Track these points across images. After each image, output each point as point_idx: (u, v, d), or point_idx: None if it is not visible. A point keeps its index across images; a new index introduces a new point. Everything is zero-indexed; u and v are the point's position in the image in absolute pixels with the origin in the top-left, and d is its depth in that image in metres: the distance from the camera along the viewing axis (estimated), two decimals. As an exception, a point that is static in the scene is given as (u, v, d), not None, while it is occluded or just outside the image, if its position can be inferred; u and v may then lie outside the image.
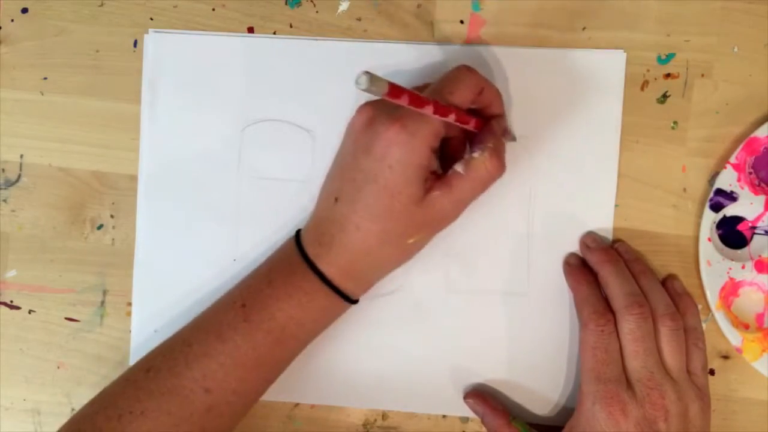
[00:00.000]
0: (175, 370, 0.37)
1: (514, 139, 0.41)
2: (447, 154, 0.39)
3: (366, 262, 0.38)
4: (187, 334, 0.38)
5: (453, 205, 0.37)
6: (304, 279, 0.37)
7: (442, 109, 0.34)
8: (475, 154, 0.37)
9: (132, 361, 0.43)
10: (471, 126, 0.37)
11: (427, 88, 0.37)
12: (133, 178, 0.44)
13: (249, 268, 0.41)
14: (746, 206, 0.41)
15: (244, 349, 0.37)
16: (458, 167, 0.37)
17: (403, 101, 0.32)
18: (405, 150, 0.35)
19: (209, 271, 0.43)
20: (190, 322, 0.39)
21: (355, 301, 0.39)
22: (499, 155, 0.37)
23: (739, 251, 0.42)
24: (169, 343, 0.39)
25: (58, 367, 0.44)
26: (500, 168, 0.37)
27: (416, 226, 0.37)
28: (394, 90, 0.31)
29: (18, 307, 0.44)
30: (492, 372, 0.43)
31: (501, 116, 0.39)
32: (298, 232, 0.40)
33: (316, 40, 0.43)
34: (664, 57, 0.42)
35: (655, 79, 0.42)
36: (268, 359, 0.38)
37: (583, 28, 0.42)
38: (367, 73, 0.29)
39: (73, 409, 0.44)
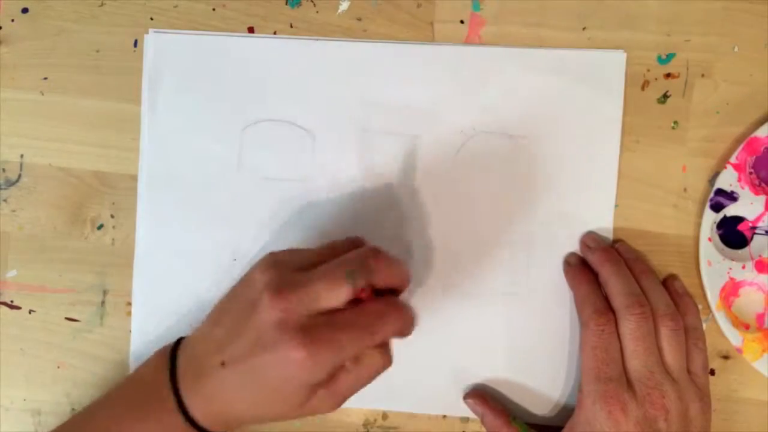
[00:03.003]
0: None
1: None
2: None
3: (240, 422, 0.37)
4: None
5: (336, 400, 0.36)
6: (172, 419, 0.36)
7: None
8: (367, 352, 0.35)
9: (132, 360, 0.44)
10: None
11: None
12: (134, 178, 0.44)
13: (248, 265, 0.41)
14: (747, 206, 0.41)
15: None
16: (347, 365, 0.35)
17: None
18: (305, 374, 0.33)
19: (209, 271, 0.43)
20: None
21: None
22: (387, 349, 0.36)
23: (739, 251, 0.42)
24: None
25: (58, 367, 0.44)
26: (388, 362, 0.36)
27: (297, 416, 0.36)
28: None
29: (18, 307, 0.44)
30: (492, 372, 0.43)
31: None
32: (173, 355, 0.38)
33: (316, 40, 0.43)
34: (664, 57, 0.42)
35: (656, 79, 0.42)
36: None
37: (583, 28, 0.42)
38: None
39: (73, 409, 0.44)
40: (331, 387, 0.35)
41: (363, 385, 0.36)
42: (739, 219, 0.42)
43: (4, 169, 0.44)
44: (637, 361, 0.37)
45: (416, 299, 0.43)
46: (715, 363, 0.42)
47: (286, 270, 0.35)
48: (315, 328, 0.33)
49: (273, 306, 0.34)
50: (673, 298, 0.40)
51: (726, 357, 0.42)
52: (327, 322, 0.34)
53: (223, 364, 0.35)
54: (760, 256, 0.41)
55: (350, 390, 0.36)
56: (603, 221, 0.42)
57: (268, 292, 0.34)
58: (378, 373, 0.36)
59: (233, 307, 0.37)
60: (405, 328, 0.36)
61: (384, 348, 0.36)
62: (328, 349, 0.33)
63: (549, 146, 0.42)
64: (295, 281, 0.34)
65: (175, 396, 0.36)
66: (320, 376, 0.34)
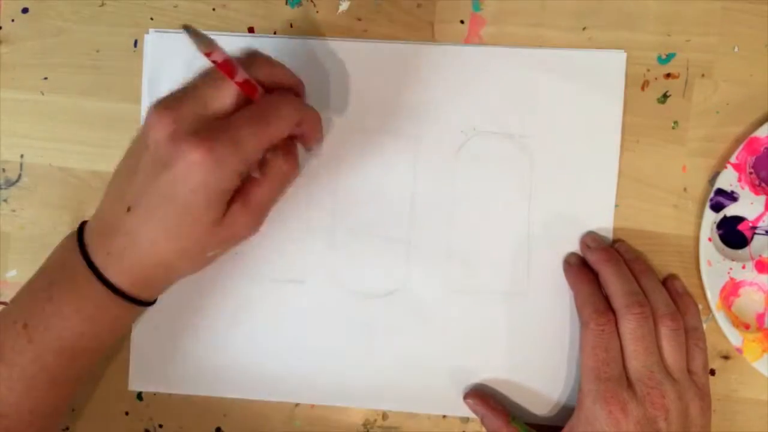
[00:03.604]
0: None
1: (315, 148, 0.41)
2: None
3: (160, 273, 0.36)
4: None
5: (253, 215, 0.35)
6: (92, 290, 0.35)
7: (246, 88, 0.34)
8: (268, 155, 0.36)
9: (132, 360, 0.43)
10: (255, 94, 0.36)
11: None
12: (134, 178, 0.44)
13: (250, 264, 0.41)
14: (747, 206, 0.41)
15: (32, 371, 0.35)
16: (254, 173, 0.35)
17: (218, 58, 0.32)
18: (210, 176, 0.33)
19: (209, 270, 0.43)
20: None
21: (150, 303, 0.38)
22: (292, 154, 0.36)
23: (739, 251, 0.42)
24: None
25: (58, 367, 0.44)
26: (294, 166, 0.36)
27: (217, 242, 0.36)
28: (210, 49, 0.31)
29: (18, 307, 0.44)
30: (492, 372, 0.43)
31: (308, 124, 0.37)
32: (80, 233, 0.37)
33: (316, 40, 0.43)
34: (664, 57, 0.42)
35: (656, 78, 0.42)
36: (62, 378, 0.36)
37: (583, 28, 0.42)
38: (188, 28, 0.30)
39: (73, 410, 0.44)
40: (244, 199, 0.35)
41: (275, 195, 0.36)
42: (739, 219, 0.42)
43: (4, 169, 0.44)
44: (637, 360, 0.37)
45: (417, 299, 0.43)
46: (715, 363, 0.42)
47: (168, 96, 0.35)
48: (209, 129, 0.33)
49: (161, 122, 0.33)
50: (673, 297, 0.40)
51: (726, 357, 0.42)
52: (220, 123, 0.33)
53: (129, 209, 0.34)
54: (760, 256, 0.41)
55: (264, 202, 0.35)
56: (603, 221, 0.42)
57: (153, 111, 0.33)
58: (287, 178, 0.36)
59: (127, 160, 0.36)
60: (307, 126, 0.36)
61: (288, 154, 0.36)
62: (226, 144, 0.33)
63: (549, 146, 0.42)
64: (178, 95, 0.34)
65: (87, 263, 0.35)
66: (226, 180, 0.33)
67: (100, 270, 0.35)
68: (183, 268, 0.37)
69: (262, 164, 0.36)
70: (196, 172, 0.32)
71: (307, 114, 0.37)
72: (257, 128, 0.34)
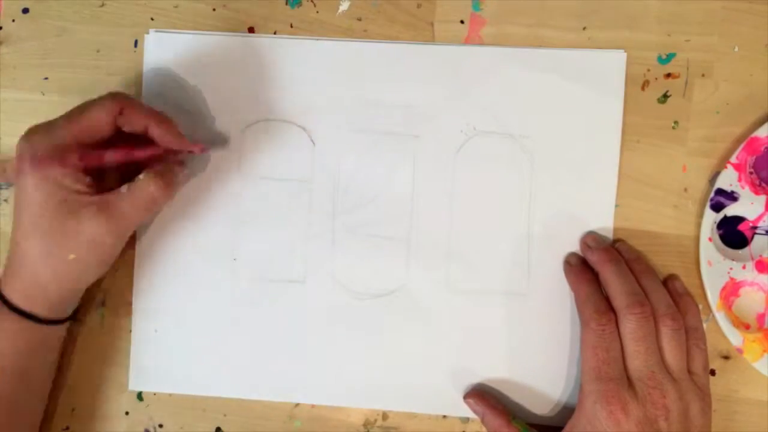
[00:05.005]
0: None
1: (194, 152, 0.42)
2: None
3: (39, 282, 0.37)
4: None
5: (108, 223, 0.37)
6: None
7: (87, 158, 0.37)
8: (141, 176, 0.37)
9: (132, 360, 0.43)
10: (138, 157, 0.39)
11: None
12: (134, 178, 0.44)
13: (249, 268, 0.41)
14: (747, 206, 0.41)
15: None
16: (123, 188, 0.37)
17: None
18: (36, 179, 0.36)
19: (209, 271, 0.43)
20: None
21: (53, 322, 0.39)
22: (166, 178, 0.37)
23: (739, 251, 0.42)
24: None
25: (59, 367, 0.44)
26: (166, 191, 0.37)
27: (71, 243, 0.37)
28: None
29: (18, 307, 0.44)
30: (492, 372, 0.42)
31: (174, 149, 0.39)
32: None
33: (317, 40, 0.43)
34: (664, 57, 0.42)
35: (656, 78, 0.42)
36: None
37: (584, 28, 0.42)
38: None
39: (73, 410, 0.44)
40: (101, 207, 0.37)
41: (141, 212, 0.38)
42: (739, 219, 0.42)
43: (4, 170, 0.44)
44: (637, 360, 0.37)
45: (417, 299, 0.43)
46: (715, 363, 0.42)
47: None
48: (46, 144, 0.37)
49: (20, 145, 0.37)
50: (673, 297, 0.39)
51: (726, 357, 0.42)
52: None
53: (16, 231, 0.37)
54: (760, 256, 0.41)
55: (125, 214, 0.37)
56: (603, 221, 0.42)
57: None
58: (155, 202, 0.38)
59: None
60: (133, 116, 0.38)
61: (163, 177, 0.37)
62: (42, 135, 0.36)
63: (549, 146, 0.42)
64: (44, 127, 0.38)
65: None
66: (55, 177, 0.36)
67: (1, 288, 0.38)
68: (56, 274, 0.38)
69: (132, 183, 0.37)
70: (27, 176, 0.36)
71: (132, 104, 0.38)
72: (71, 116, 0.37)
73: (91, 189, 0.37)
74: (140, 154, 0.39)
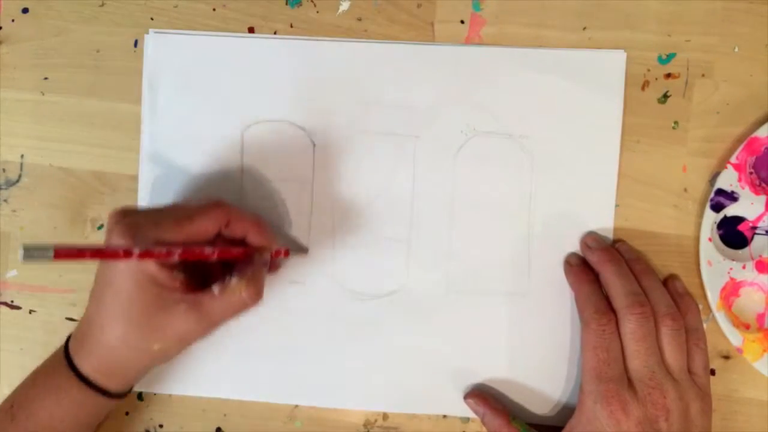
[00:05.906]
0: None
1: (277, 265, 0.42)
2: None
3: (117, 361, 0.37)
4: None
5: (198, 323, 0.37)
6: (62, 375, 0.38)
7: (188, 254, 0.35)
8: (234, 280, 0.37)
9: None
10: (233, 255, 0.38)
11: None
12: (133, 178, 0.44)
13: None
14: (747, 206, 0.41)
15: None
16: (214, 288, 0.37)
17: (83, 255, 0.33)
18: (133, 269, 0.35)
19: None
20: None
21: (117, 396, 0.39)
22: (256, 285, 0.37)
23: (739, 251, 0.42)
24: None
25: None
26: (256, 297, 0.37)
27: (159, 335, 0.37)
28: (61, 253, 0.32)
29: (18, 307, 0.44)
30: (492, 372, 0.42)
31: (264, 248, 0.39)
32: (66, 342, 0.39)
33: (317, 40, 0.43)
34: (664, 57, 0.42)
35: (656, 79, 0.42)
36: None
37: (584, 28, 0.42)
38: (23, 247, 0.31)
39: (73, 410, 0.44)
40: (193, 305, 0.36)
41: (229, 314, 0.37)
42: (739, 219, 0.42)
43: (4, 170, 0.44)
44: (638, 361, 0.37)
45: (417, 299, 0.43)
46: (715, 363, 0.42)
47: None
48: (139, 224, 0.36)
49: (109, 225, 0.36)
50: (673, 298, 0.40)
51: (726, 357, 0.42)
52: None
53: (90, 299, 0.37)
54: (760, 256, 0.41)
55: (215, 314, 0.37)
56: (603, 221, 0.42)
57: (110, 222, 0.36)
58: (246, 306, 0.37)
59: None
60: (238, 227, 0.38)
61: (255, 282, 0.37)
62: (148, 229, 0.35)
63: (549, 146, 0.42)
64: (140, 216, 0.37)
65: (65, 351, 0.38)
66: (146, 266, 0.35)
67: (71, 357, 0.38)
68: (135, 359, 0.38)
69: (224, 285, 0.37)
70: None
71: (236, 215, 0.38)
72: (181, 222, 0.36)
73: (183, 286, 0.37)
74: (236, 252, 0.38)
